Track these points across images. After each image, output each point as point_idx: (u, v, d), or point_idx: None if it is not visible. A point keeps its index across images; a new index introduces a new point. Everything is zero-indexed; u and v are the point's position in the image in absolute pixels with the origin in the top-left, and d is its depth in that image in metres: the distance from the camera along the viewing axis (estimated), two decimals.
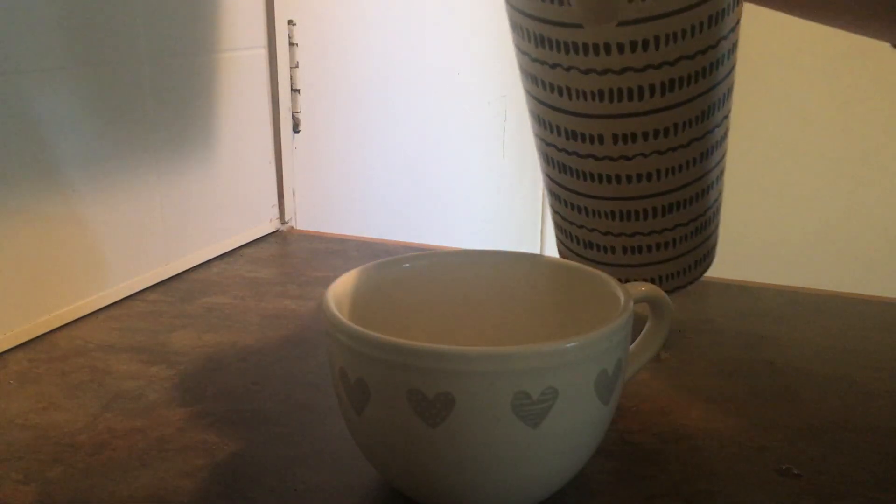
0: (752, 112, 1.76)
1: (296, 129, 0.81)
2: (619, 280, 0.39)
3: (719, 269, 0.59)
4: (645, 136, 0.42)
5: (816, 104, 1.70)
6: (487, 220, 1.42)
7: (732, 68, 0.45)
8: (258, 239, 0.77)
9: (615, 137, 0.43)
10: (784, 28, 1.68)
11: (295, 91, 0.80)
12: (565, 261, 0.42)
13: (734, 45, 0.44)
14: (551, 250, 0.77)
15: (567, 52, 0.41)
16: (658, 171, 0.44)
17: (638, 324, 0.38)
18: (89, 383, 0.49)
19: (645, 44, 0.40)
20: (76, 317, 0.58)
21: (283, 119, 0.79)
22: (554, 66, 0.42)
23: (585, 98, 0.42)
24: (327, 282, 0.39)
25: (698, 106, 0.43)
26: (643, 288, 0.39)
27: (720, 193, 0.50)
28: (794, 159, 1.74)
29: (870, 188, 1.69)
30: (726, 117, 0.47)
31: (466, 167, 1.32)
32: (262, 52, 0.76)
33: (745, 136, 1.78)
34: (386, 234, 0.83)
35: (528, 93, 0.47)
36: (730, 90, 0.46)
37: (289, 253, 0.75)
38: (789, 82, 1.71)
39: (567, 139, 0.44)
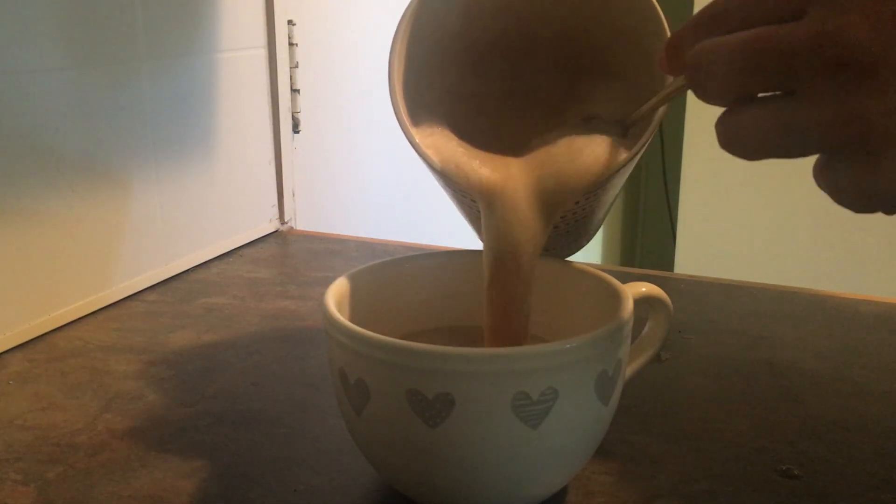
0: None
1: (296, 130, 0.81)
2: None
3: (719, 269, 0.59)
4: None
5: None
6: None
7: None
8: (258, 239, 0.77)
9: None
10: None
11: (295, 91, 0.80)
12: (565, 261, 0.42)
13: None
14: None
15: None
16: (561, 247, 0.46)
17: (638, 324, 0.38)
18: (89, 384, 0.49)
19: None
20: (75, 317, 0.58)
21: (283, 119, 0.79)
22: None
23: None
24: (327, 282, 0.39)
25: (600, 210, 0.46)
26: (643, 288, 0.39)
27: None
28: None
29: None
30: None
31: None
32: (262, 53, 0.76)
33: None
34: (386, 234, 0.83)
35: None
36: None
37: (288, 253, 0.75)
38: None
39: None
